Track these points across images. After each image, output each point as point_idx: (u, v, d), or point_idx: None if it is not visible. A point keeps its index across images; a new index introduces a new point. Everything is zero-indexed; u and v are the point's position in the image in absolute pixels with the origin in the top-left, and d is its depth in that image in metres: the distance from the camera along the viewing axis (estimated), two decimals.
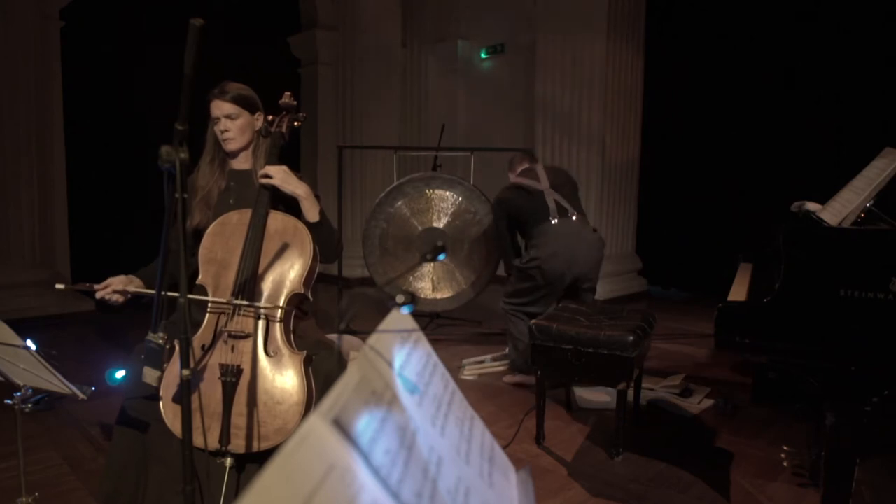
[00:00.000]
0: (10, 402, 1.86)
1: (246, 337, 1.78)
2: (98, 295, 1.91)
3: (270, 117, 2.09)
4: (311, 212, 2.01)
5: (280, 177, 1.95)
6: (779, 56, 5.36)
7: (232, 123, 2.04)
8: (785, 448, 2.66)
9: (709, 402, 3.33)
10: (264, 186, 1.93)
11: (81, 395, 1.75)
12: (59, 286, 1.89)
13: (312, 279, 1.92)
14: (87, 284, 1.91)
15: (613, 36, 5.76)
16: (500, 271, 5.20)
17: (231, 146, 2.08)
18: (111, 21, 5.89)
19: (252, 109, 2.07)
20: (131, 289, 1.92)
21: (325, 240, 2.02)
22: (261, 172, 1.97)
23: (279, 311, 1.83)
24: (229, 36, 5.79)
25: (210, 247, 1.90)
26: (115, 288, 1.91)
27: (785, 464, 2.59)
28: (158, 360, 1.43)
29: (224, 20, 5.65)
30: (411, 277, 4.78)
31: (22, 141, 5.01)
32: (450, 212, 4.70)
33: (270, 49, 7.03)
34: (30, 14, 5.01)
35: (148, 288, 1.94)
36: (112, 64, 5.90)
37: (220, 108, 2.03)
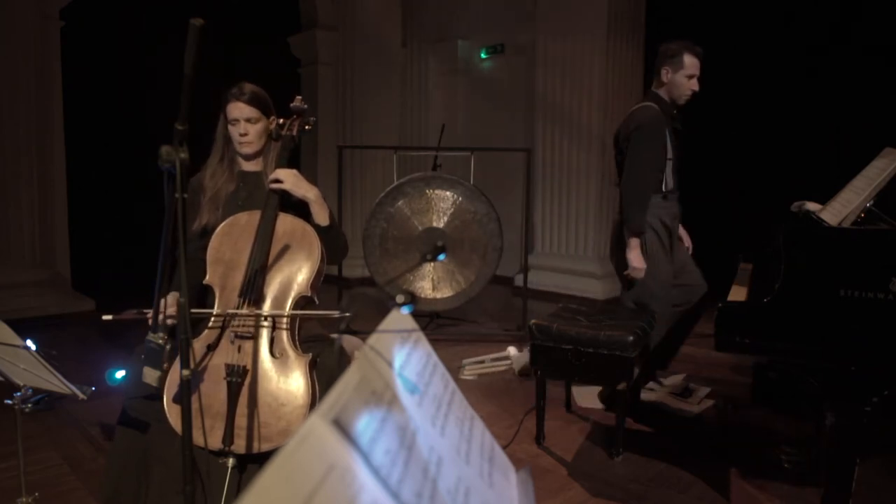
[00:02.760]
0: (10, 402, 1.86)
1: (252, 338, 1.78)
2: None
3: (281, 120, 2.09)
4: (321, 215, 2.02)
5: (291, 181, 1.95)
6: (778, 56, 5.36)
7: (252, 127, 2.04)
8: (785, 448, 2.66)
9: (709, 402, 3.33)
10: (274, 191, 1.93)
11: (81, 395, 1.75)
12: (107, 317, 1.75)
13: (319, 282, 1.93)
14: (135, 311, 1.77)
15: (613, 36, 5.76)
16: (500, 271, 5.21)
17: (248, 150, 2.07)
18: (111, 21, 5.89)
19: (268, 113, 2.08)
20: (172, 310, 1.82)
21: (333, 244, 2.03)
22: (271, 177, 1.96)
23: (285, 313, 1.83)
24: (229, 36, 5.79)
25: (218, 247, 1.91)
26: (170, 313, 1.83)
27: (785, 464, 2.59)
28: (158, 360, 1.43)
29: (224, 20, 5.65)
30: (411, 277, 4.77)
31: (22, 141, 5.01)
32: (450, 212, 4.70)
33: (270, 49, 7.02)
34: (30, 14, 5.00)
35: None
36: (112, 64, 5.89)
37: (241, 110, 2.01)
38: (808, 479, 2.46)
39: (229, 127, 2.06)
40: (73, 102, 5.49)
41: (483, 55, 7.19)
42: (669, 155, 2.98)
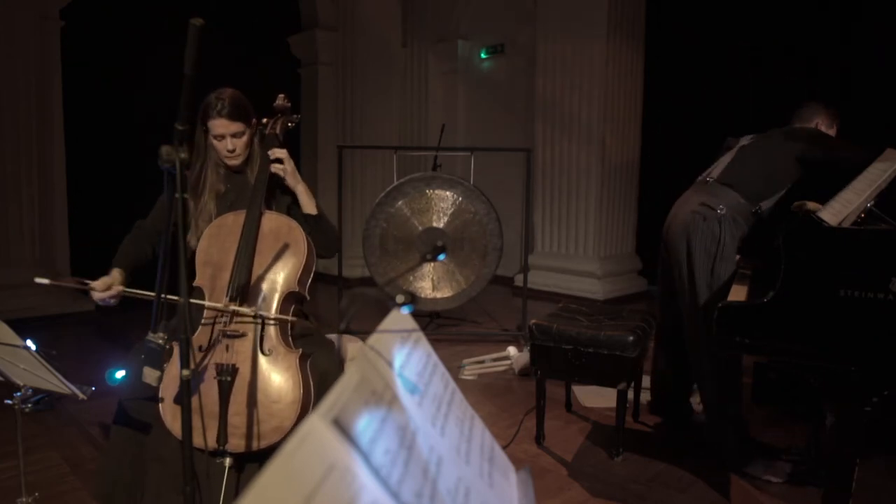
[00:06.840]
0: (10, 402, 1.86)
1: (241, 336, 1.78)
2: (98, 298, 1.85)
3: (265, 120, 2.09)
4: (310, 205, 2.03)
5: (291, 167, 1.99)
6: (778, 56, 5.36)
7: (239, 141, 2.00)
8: (785, 448, 2.66)
9: None
10: (268, 174, 1.95)
11: (81, 395, 1.74)
12: (41, 280, 1.77)
13: (308, 277, 1.93)
14: (75, 280, 1.87)
15: (613, 36, 5.76)
16: (500, 271, 5.21)
17: (236, 162, 2.04)
18: (111, 21, 5.89)
19: (251, 120, 2.04)
20: (120, 289, 1.85)
21: (326, 234, 2.04)
22: (275, 157, 1.97)
23: (274, 309, 1.84)
24: (229, 36, 5.79)
25: (206, 249, 1.91)
26: (107, 294, 1.82)
27: None
28: (158, 360, 1.43)
29: (224, 20, 5.65)
30: (411, 277, 4.77)
31: (22, 141, 5.01)
32: (450, 212, 4.70)
33: (270, 49, 7.02)
34: (30, 14, 5.00)
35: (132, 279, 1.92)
36: (112, 64, 5.90)
37: (226, 127, 1.96)
38: (808, 479, 2.46)
39: (214, 141, 2.00)
40: (73, 102, 5.48)
41: (483, 55, 7.19)
42: (792, 181, 2.71)
